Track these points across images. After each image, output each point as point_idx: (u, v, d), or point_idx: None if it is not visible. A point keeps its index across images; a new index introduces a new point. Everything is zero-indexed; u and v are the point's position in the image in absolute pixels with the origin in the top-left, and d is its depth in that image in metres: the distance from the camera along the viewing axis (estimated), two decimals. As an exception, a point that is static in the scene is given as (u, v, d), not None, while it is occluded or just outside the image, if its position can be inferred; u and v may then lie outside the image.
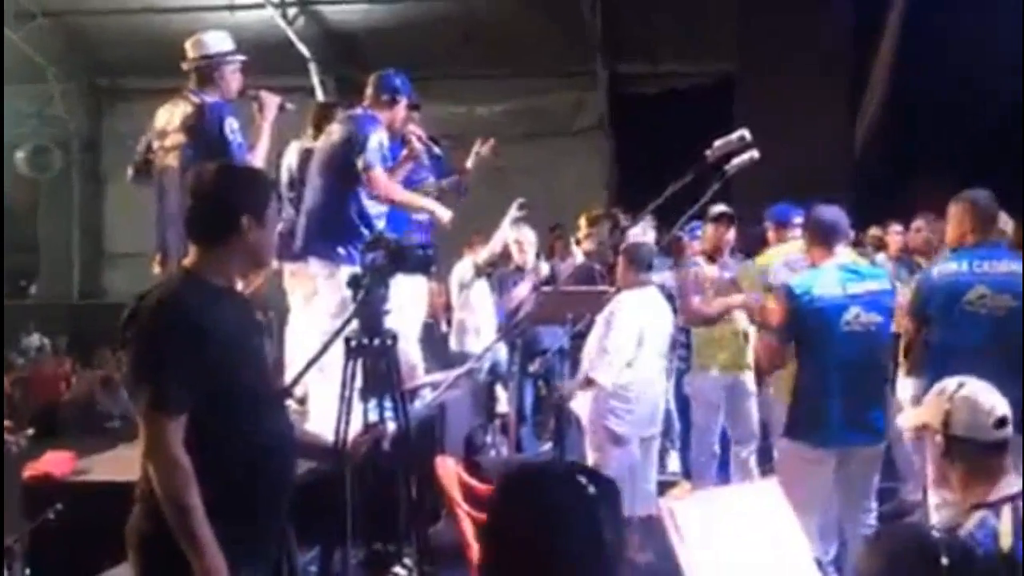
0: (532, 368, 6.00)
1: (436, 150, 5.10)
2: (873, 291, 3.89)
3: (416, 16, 10.64)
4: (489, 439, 6.58)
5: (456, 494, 4.42)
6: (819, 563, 2.51)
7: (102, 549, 2.98)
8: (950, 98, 8.85)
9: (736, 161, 4.08)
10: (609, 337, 4.67)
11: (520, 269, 6.47)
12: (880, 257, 6.25)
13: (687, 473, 5.63)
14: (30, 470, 3.62)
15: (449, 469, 4.60)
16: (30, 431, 3.95)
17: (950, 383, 2.49)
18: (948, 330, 3.93)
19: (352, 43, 11.34)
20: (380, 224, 4.41)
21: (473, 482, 4.35)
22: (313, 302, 4.70)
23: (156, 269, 4.25)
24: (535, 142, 11.08)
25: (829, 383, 3.81)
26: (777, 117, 8.42)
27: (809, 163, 8.61)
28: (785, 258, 5.00)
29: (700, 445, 5.35)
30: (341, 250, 4.35)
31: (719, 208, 5.29)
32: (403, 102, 4.63)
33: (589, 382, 4.78)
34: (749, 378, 5.32)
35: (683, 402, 5.81)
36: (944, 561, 2.06)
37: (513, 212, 6.03)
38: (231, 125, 4.10)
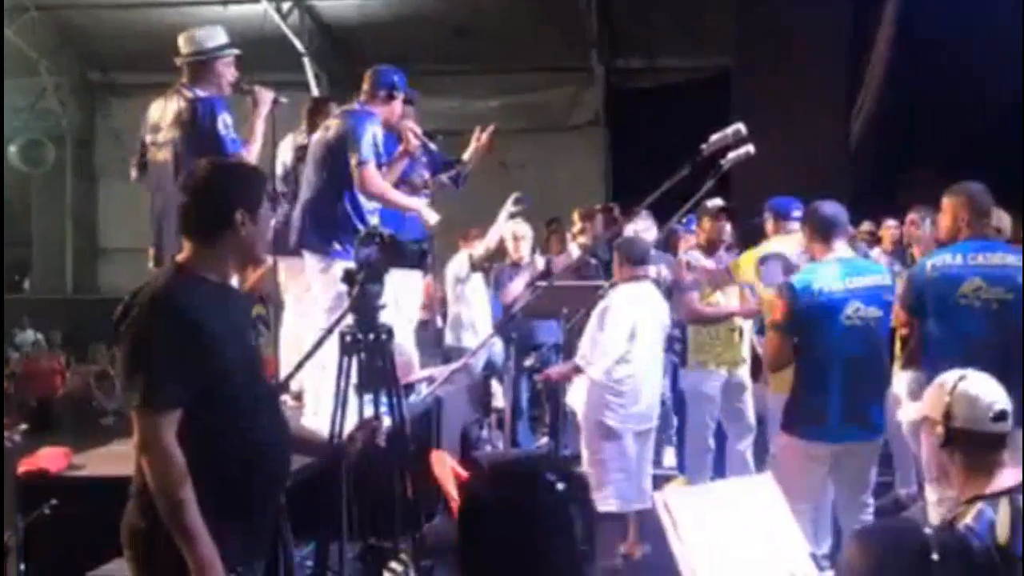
0: (528, 363, 6.00)
1: (432, 146, 5.08)
2: (873, 285, 3.89)
3: (411, 10, 10.62)
4: (485, 434, 6.59)
5: (452, 489, 4.42)
6: (814, 557, 2.51)
7: (97, 544, 2.98)
8: (946, 94, 8.86)
9: (732, 156, 4.08)
10: (601, 331, 4.68)
11: (516, 264, 6.47)
12: (875, 252, 6.26)
13: (683, 468, 5.64)
14: (25, 465, 3.60)
15: (445, 464, 4.60)
16: (23, 426, 3.93)
17: (951, 375, 2.49)
18: (943, 323, 3.93)
19: (346, 38, 11.32)
20: (374, 219, 4.40)
21: (469, 477, 4.34)
22: (307, 298, 4.69)
23: (150, 264, 4.24)
24: (531, 137, 11.09)
25: (829, 378, 3.81)
26: (773, 112, 8.44)
27: (805, 158, 8.63)
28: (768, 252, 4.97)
29: (695, 440, 5.36)
30: (336, 245, 4.34)
31: (716, 202, 5.30)
32: (400, 97, 4.61)
33: (577, 370, 4.79)
34: (744, 373, 5.34)
35: (679, 397, 5.82)
36: (935, 556, 2.07)
37: (509, 207, 6.03)
38: (224, 120, 4.08)
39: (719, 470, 5.33)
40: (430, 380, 5.05)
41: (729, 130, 4.00)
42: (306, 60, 11.12)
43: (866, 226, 6.98)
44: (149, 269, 4.13)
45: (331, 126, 4.53)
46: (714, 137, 4.00)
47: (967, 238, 3.93)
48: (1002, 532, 2.26)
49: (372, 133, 4.37)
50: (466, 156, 5.23)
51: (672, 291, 5.32)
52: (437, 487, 4.54)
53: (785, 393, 4.04)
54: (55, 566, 3.42)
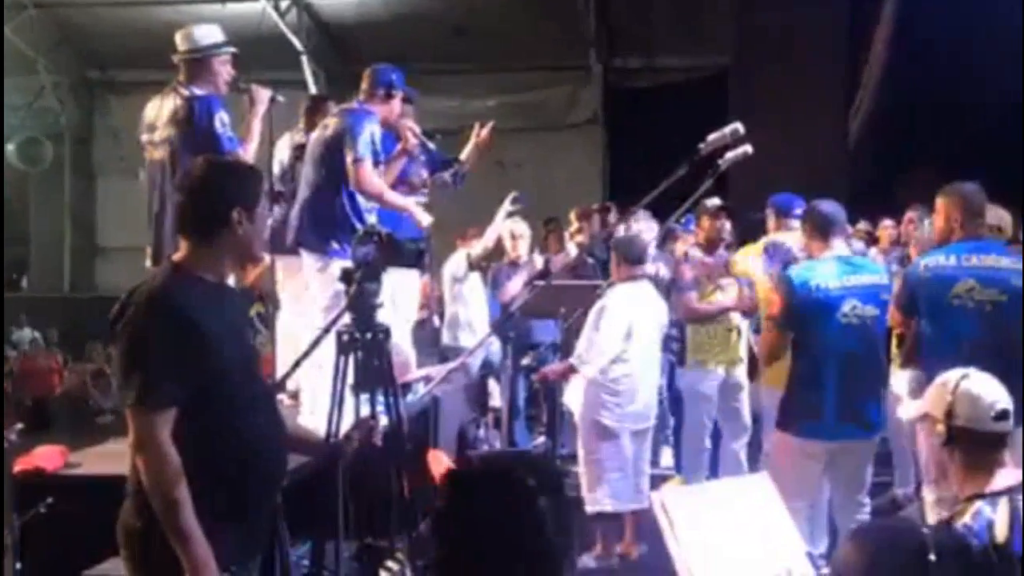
0: (525, 362, 6.00)
1: (430, 145, 5.08)
2: (870, 284, 3.89)
3: (409, 9, 10.62)
4: (482, 433, 6.59)
5: (449, 488, 4.41)
6: (811, 556, 2.51)
7: (93, 543, 2.98)
8: (945, 94, 8.87)
9: (730, 155, 4.07)
10: (597, 330, 4.68)
11: (514, 263, 6.46)
12: (872, 251, 6.26)
13: (679, 468, 5.64)
14: (21, 464, 3.59)
15: (442, 463, 4.59)
16: (19, 425, 3.92)
17: (954, 374, 2.49)
18: (935, 323, 3.92)
19: (344, 36, 11.32)
20: (372, 218, 4.39)
21: (466, 476, 4.33)
22: (304, 297, 4.68)
23: (148, 263, 4.23)
24: (529, 136, 11.09)
25: (825, 375, 3.82)
26: (772, 112, 8.45)
27: (803, 157, 8.64)
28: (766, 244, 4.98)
29: (691, 439, 5.36)
30: (334, 243, 4.34)
31: (715, 201, 5.31)
32: (398, 96, 4.61)
33: (572, 369, 4.79)
34: (741, 372, 5.34)
35: (675, 396, 5.82)
36: (932, 556, 2.06)
37: (507, 206, 6.02)
38: (221, 118, 4.07)
39: (713, 469, 5.34)
40: (427, 379, 5.05)
41: (727, 129, 4.00)
42: (304, 58, 11.12)
43: (862, 225, 6.98)
44: (147, 268, 4.12)
45: (329, 124, 4.52)
46: (712, 136, 4.00)
47: (960, 239, 3.92)
48: (1000, 532, 2.26)
49: (370, 131, 4.36)
50: (464, 155, 5.22)
51: (670, 290, 5.33)
52: (434, 486, 4.53)
53: (777, 387, 4.04)
54: (51, 565, 3.41)
